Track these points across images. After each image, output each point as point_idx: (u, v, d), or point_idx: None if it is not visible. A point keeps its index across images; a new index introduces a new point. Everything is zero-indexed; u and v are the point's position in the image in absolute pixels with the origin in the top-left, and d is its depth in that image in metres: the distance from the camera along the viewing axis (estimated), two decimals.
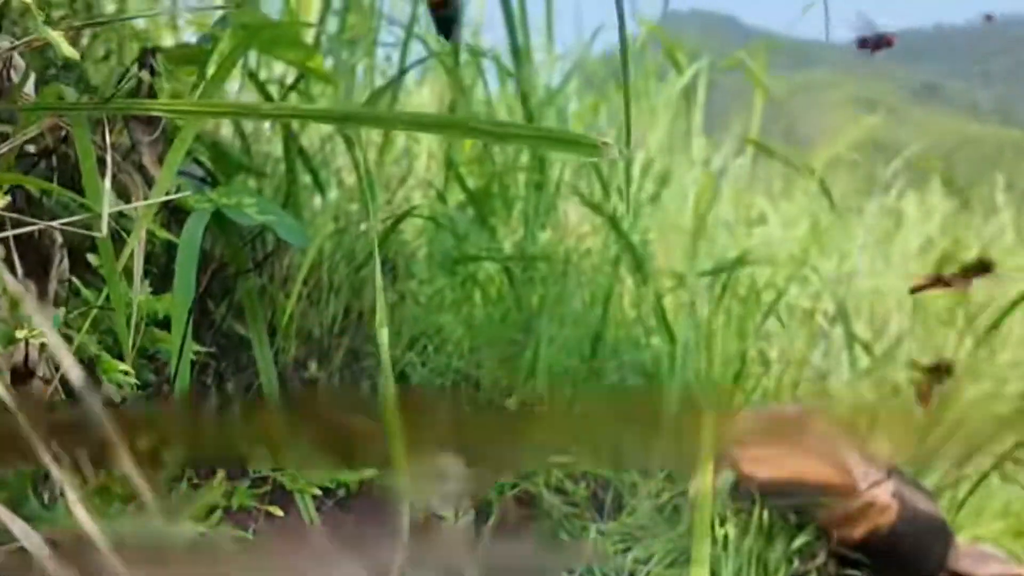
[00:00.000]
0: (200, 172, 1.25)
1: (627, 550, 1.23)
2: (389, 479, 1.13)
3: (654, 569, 1.23)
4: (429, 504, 1.19)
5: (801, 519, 1.21)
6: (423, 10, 1.73)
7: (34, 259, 0.70)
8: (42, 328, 0.62)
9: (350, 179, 1.72)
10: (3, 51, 0.69)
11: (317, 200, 1.59)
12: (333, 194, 1.61)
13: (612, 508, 1.37)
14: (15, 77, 0.72)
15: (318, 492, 0.91)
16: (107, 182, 0.67)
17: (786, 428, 1.23)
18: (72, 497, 0.45)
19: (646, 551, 1.25)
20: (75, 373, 0.45)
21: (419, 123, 0.76)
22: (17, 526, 0.45)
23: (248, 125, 1.49)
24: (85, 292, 0.77)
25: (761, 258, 2.31)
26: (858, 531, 1.16)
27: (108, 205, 0.64)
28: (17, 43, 0.69)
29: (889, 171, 4.10)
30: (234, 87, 1.56)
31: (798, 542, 1.19)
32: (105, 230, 0.63)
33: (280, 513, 0.86)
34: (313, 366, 1.19)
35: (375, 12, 1.62)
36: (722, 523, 1.17)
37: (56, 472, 0.48)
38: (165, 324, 0.89)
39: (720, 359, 1.86)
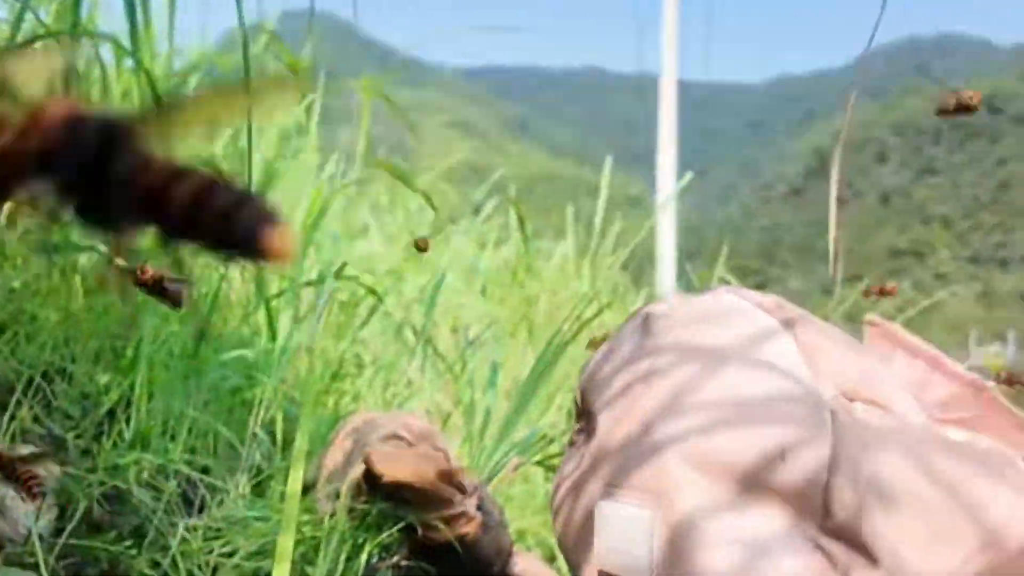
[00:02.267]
0: None
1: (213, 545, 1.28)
2: None
3: (239, 562, 1.30)
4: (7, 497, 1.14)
5: (398, 517, 1.32)
6: None
7: None
8: None
9: None
10: None
11: None
12: None
13: (202, 505, 1.41)
14: None
15: None
16: None
17: (415, 433, 1.34)
18: None
19: (232, 545, 1.31)
20: None
21: None
22: None
23: None
24: None
25: (362, 269, 2.47)
26: (444, 535, 1.25)
27: None
28: None
29: (479, 195, 4.55)
30: None
31: (385, 538, 1.32)
32: None
33: None
34: None
35: None
36: (332, 515, 1.26)
37: None
38: None
39: (320, 361, 1.97)
